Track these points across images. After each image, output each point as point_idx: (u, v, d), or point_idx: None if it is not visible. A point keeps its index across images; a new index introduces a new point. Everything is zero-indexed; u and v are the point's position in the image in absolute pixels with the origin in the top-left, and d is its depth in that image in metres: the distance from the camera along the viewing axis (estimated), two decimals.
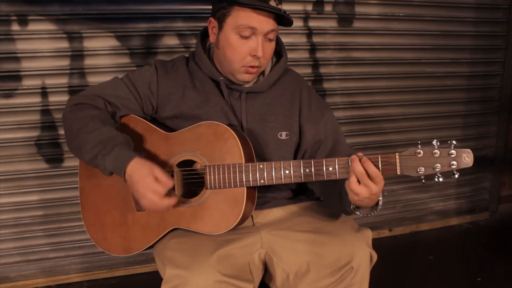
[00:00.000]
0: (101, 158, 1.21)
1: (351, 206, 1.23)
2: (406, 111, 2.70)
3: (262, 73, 1.43)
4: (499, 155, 2.99)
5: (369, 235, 1.28)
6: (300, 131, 1.41)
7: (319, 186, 1.40)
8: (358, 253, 1.20)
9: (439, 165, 1.11)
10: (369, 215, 1.24)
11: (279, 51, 1.44)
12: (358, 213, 1.24)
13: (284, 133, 1.39)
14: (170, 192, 1.21)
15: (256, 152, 1.33)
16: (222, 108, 1.37)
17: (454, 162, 1.11)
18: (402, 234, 2.83)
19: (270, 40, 1.31)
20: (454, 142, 1.11)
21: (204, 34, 1.41)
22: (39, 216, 2.20)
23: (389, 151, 1.16)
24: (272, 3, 1.24)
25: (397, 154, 1.13)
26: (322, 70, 2.49)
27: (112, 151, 1.21)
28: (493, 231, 2.88)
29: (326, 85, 2.52)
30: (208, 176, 1.26)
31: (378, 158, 1.14)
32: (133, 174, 1.19)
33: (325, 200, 1.45)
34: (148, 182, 1.17)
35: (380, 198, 1.19)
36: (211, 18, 1.34)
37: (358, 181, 1.12)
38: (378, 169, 1.12)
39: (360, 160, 1.12)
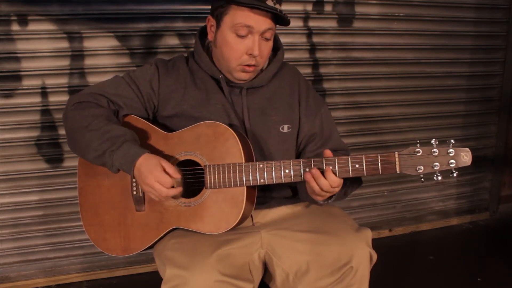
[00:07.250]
0: (109, 155, 1.22)
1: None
2: (406, 111, 2.70)
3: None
4: (499, 155, 2.99)
5: (369, 235, 1.28)
6: (298, 123, 1.42)
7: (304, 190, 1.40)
8: (358, 253, 1.20)
9: (438, 163, 1.12)
10: (325, 202, 1.31)
11: (275, 45, 1.44)
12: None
13: (286, 126, 1.40)
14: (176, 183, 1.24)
15: (259, 147, 1.34)
16: (223, 105, 1.37)
17: (453, 161, 1.11)
18: (402, 234, 2.82)
19: (267, 39, 1.31)
20: (452, 141, 1.12)
21: (202, 33, 1.42)
22: (39, 216, 2.20)
23: (389, 151, 1.16)
24: (269, 3, 1.25)
25: (396, 153, 1.14)
26: (322, 70, 2.49)
27: (120, 147, 1.22)
28: (493, 231, 2.88)
29: (326, 85, 2.51)
30: (207, 176, 1.26)
31: (377, 157, 1.15)
32: (141, 167, 1.20)
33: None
34: (156, 173, 1.19)
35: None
36: (210, 17, 1.35)
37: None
38: (378, 167, 1.14)
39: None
